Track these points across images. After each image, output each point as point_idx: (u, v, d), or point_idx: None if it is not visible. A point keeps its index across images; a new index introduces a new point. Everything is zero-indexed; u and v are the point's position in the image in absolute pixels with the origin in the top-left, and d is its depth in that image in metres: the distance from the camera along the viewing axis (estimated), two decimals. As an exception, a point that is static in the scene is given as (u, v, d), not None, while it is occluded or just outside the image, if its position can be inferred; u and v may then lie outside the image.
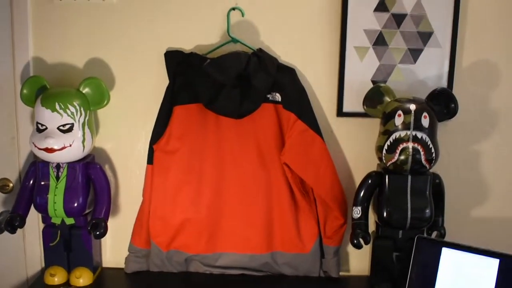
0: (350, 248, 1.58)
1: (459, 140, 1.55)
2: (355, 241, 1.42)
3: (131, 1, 1.51)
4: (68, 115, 1.40)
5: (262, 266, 1.54)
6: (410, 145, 1.34)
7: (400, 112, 1.36)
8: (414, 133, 1.35)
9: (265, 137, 1.50)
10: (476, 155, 1.56)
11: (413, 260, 1.37)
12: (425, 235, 1.46)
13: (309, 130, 1.48)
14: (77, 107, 1.41)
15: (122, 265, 1.58)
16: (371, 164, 1.49)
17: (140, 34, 1.52)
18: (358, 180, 1.53)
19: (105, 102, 1.47)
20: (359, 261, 1.61)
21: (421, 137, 1.34)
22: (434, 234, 1.49)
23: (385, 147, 1.37)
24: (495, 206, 1.58)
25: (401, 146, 1.35)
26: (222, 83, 1.42)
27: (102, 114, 1.57)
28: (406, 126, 1.35)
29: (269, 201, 1.51)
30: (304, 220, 1.52)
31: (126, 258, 1.58)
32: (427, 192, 1.41)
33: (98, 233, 1.44)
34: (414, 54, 1.49)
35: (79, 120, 1.42)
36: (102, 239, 1.56)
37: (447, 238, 1.47)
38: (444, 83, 1.50)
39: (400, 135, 1.36)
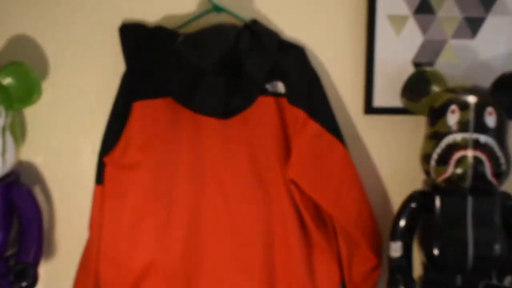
0: None
1: None
2: None
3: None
4: (-20, 117, 1.38)
5: (261, 326, 1.52)
6: (470, 153, 1.31)
7: (454, 106, 1.33)
8: (475, 136, 1.31)
9: (263, 145, 1.47)
10: None
11: None
12: (494, 281, 1.41)
13: (325, 134, 1.46)
14: (-6, 105, 1.39)
15: (60, 326, 1.56)
16: (414, 180, 1.46)
17: (85, 1, 1.50)
18: (395, 202, 1.51)
19: (35, 97, 1.45)
20: None
21: (486, 142, 1.31)
22: (507, 280, 1.44)
23: (435, 156, 1.34)
24: None
25: (457, 155, 1.32)
26: (201, 69, 1.39)
27: (31, 114, 1.54)
28: (463, 127, 1.32)
29: (269, 236, 1.48)
30: (321, 262, 1.50)
31: None
32: (496, 220, 1.37)
33: (25, 284, 1.41)
34: (473, 25, 1.48)
35: (-4, 123, 1.40)
36: None
37: None
38: None
39: (455, 139, 1.32)
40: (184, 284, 1.48)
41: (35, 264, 1.45)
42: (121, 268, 1.47)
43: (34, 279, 1.42)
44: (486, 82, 1.40)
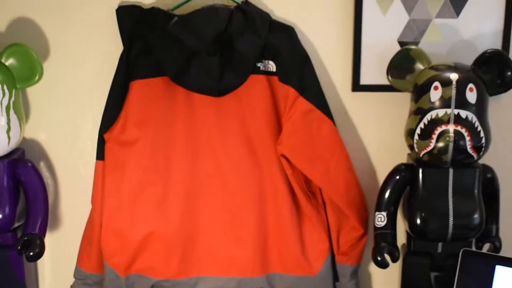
0: (373, 267, 1.55)
1: None
2: (379, 258, 1.40)
3: None
4: (-15, 96, 1.38)
5: (254, 293, 1.52)
6: (451, 127, 1.31)
7: (437, 83, 1.33)
8: (456, 111, 1.31)
9: (255, 121, 1.47)
10: None
11: (458, 282, 1.34)
12: (473, 248, 1.43)
13: (315, 111, 1.45)
14: (-2, 85, 1.39)
15: (66, 294, 1.56)
16: (399, 154, 1.46)
17: (83, -16, 1.49)
18: (382, 176, 1.50)
19: (37, 77, 1.44)
20: (385, 284, 1.59)
21: (466, 116, 1.31)
22: (485, 247, 1.47)
23: (418, 131, 1.34)
24: None
25: (439, 130, 1.32)
26: (195, 49, 1.38)
27: (34, 93, 1.53)
28: (445, 103, 1.32)
29: (262, 207, 1.48)
30: (310, 232, 1.50)
31: (72, 287, 1.54)
32: (476, 191, 1.38)
33: (31, 254, 1.42)
34: (457, 4, 1.46)
35: (1, 103, 1.39)
36: (39, 262, 1.54)
37: (503, 252, 1.45)
38: (497, 44, 1.47)
39: (437, 114, 1.32)
40: (181, 253, 1.49)
41: (41, 235, 1.45)
42: (122, 238, 1.48)
43: (40, 249, 1.43)
44: (469, 59, 1.39)
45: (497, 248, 1.46)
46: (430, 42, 1.47)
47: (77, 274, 1.54)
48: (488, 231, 1.44)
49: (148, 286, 1.51)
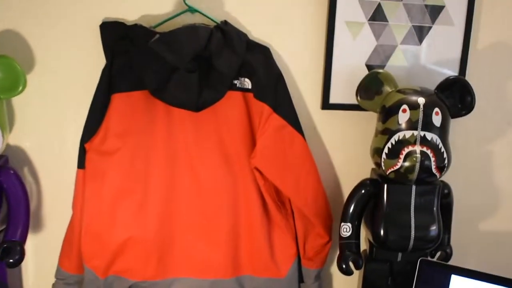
0: (334, 269, 1.40)
1: (470, 140, 1.37)
2: (344, 266, 1.22)
3: (56, -46, 1.22)
4: (-33, 105, 1.12)
5: (226, 293, 1.34)
6: (418, 149, 1.12)
7: (405, 106, 1.14)
8: (422, 133, 1.12)
9: (231, 135, 1.27)
10: (489, 157, 1.38)
11: None
12: (428, 257, 1.26)
13: (287, 127, 1.26)
14: (-20, 95, 1.13)
15: (49, 293, 1.33)
16: (364, 169, 1.28)
17: (69, -2, 1.24)
18: (345, 187, 1.35)
19: (20, 88, 1.19)
20: (346, 285, 1.40)
21: (431, 138, 1.13)
22: (438, 255, 1.30)
23: (386, 150, 1.15)
24: (510, 217, 1.42)
25: (406, 150, 1.13)
26: (175, 66, 1.17)
27: (18, 103, 1.28)
28: (412, 125, 1.13)
29: (235, 214, 1.29)
30: (279, 238, 1.31)
31: (53, 286, 1.31)
32: (435, 206, 1.20)
33: (11, 261, 1.19)
34: (420, 32, 1.28)
35: (-17, 112, 1.14)
36: (23, 263, 1.27)
37: (452, 257, 1.30)
38: (455, 70, 1.30)
39: (404, 135, 1.13)
40: (159, 256, 1.29)
41: (22, 242, 1.22)
42: (102, 242, 1.27)
43: (20, 256, 1.20)
44: (429, 83, 1.22)
45: (448, 255, 1.30)
46: (394, 66, 1.28)
47: (58, 274, 1.31)
48: (441, 240, 1.26)
49: (126, 287, 1.31)
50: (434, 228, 1.18)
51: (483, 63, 1.31)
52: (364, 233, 1.27)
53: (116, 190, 1.25)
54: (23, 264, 1.33)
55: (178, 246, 1.29)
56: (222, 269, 1.30)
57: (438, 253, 1.29)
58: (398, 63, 1.28)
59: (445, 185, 1.24)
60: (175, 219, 1.28)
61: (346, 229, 1.22)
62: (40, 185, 1.32)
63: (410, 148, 1.11)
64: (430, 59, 1.29)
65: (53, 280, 1.30)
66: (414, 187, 1.17)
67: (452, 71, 1.29)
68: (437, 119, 1.13)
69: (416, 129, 1.12)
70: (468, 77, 1.28)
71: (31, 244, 1.31)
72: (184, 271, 1.30)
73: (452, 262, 1.27)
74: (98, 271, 1.28)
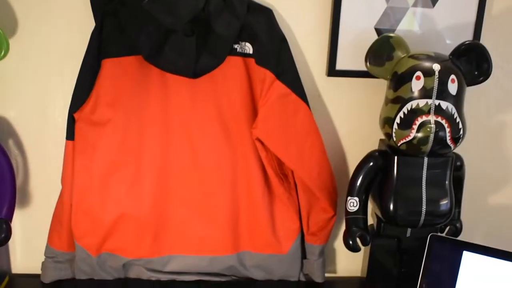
0: (338, 244, 1.35)
1: (481, 110, 1.30)
2: (351, 242, 1.15)
3: None
4: None
5: (225, 270, 1.29)
6: (432, 118, 1.04)
7: (419, 73, 1.05)
8: (437, 102, 1.04)
9: (231, 103, 1.19)
10: (501, 127, 1.31)
11: (425, 265, 1.13)
12: (438, 232, 1.20)
13: (291, 95, 1.17)
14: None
15: (38, 271, 1.26)
16: (372, 140, 1.20)
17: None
18: (351, 159, 1.28)
19: (2, 53, 1.10)
20: (349, 260, 1.35)
21: (446, 108, 1.05)
22: (447, 230, 1.24)
23: (397, 120, 1.07)
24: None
25: (419, 120, 1.05)
26: (171, 28, 1.08)
27: (1, 69, 1.19)
28: (426, 93, 1.04)
29: (234, 188, 1.23)
30: (281, 213, 1.25)
31: (43, 264, 1.25)
32: (447, 179, 1.13)
33: None
34: None
35: (-38, 79, 1.05)
36: (10, 240, 1.21)
37: (467, 236, 1.24)
38: (469, 35, 1.22)
39: (418, 104, 1.05)
40: (154, 233, 1.24)
41: (8, 219, 1.14)
42: (93, 219, 1.20)
43: (6, 234, 1.13)
44: (441, 48, 1.13)
45: (458, 229, 1.24)
46: (405, 30, 1.19)
47: (48, 252, 1.24)
48: (452, 215, 1.20)
49: (120, 264, 1.25)
50: (446, 202, 1.12)
51: (498, 28, 1.23)
52: (371, 207, 1.21)
53: (108, 163, 1.18)
54: (10, 242, 1.25)
55: (174, 222, 1.23)
56: (221, 245, 1.25)
57: (447, 228, 1.23)
58: (409, 27, 1.19)
59: (458, 157, 1.17)
60: (171, 194, 1.22)
61: (353, 204, 1.16)
62: (27, 158, 1.25)
63: (424, 118, 1.04)
64: (442, 23, 1.20)
65: (42, 258, 1.25)
66: (426, 159, 1.10)
67: (465, 37, 1.21)
68: (453, 87, 1.05)
69: (430, 97, 1.04)
70: (483, 43, 1.20)
71: (18, 221, 1.24)
72: (181, 248, 1.25)
73: (460, 237, 1.23)
74: (90, 249, 1.22)
